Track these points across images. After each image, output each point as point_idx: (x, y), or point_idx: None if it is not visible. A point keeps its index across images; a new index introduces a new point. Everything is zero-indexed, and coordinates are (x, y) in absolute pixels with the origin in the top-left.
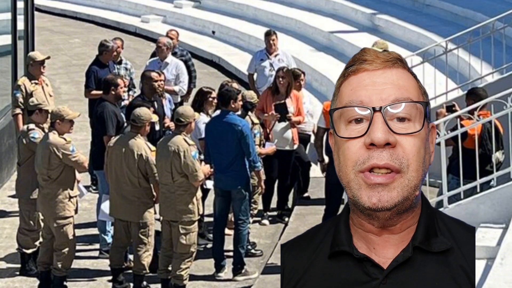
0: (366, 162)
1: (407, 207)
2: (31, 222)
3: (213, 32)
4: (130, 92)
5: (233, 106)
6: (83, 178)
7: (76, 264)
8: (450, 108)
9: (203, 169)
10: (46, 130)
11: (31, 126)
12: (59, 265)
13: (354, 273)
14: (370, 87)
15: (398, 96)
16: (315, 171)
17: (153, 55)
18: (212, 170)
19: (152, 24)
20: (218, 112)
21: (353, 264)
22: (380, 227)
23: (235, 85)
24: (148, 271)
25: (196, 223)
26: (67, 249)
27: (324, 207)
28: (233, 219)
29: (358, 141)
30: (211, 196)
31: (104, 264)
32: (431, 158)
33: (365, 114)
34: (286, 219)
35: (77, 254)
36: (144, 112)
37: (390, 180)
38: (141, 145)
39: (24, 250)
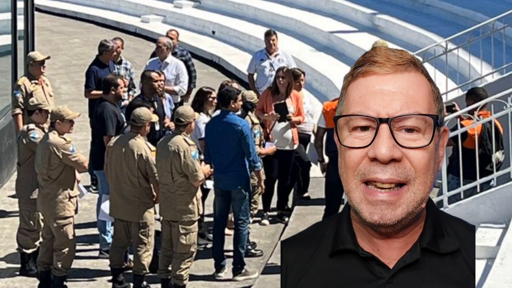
0: (367, 174)
1: (411, 220)
2: (31, 222)
3: (213, 32)
4: (130, 92)
5: (233, 106)
6: (83, 178)
7: (76, 264)
8: (450, 108)
9: (203, 169)
10: (46, 130)
11: (31, 126)
12: (59, 265)
13: (359, 271)
14: (379, 96)
15: (405, 112)
16: (315, 171)
17: (153, 55)
18: (212, 170)
19: (152, 24)
20: (218, 112)
21: (358, 262)
22: (383, 234)
23: (235, 85)
24: (148, 271)
25: (196, 223)
26: (67, 249)
27: (324, 207)
28: (233, 219)
29: (361, 151)
30: (211, 196)
31: (104, 264)
32: (440, 163)
33: (371, 123)
34: (286, 219)
35: (77, 254)
36: (144, 112)
37: (395, 198)
38: (141, 145)
39: (24, 250)
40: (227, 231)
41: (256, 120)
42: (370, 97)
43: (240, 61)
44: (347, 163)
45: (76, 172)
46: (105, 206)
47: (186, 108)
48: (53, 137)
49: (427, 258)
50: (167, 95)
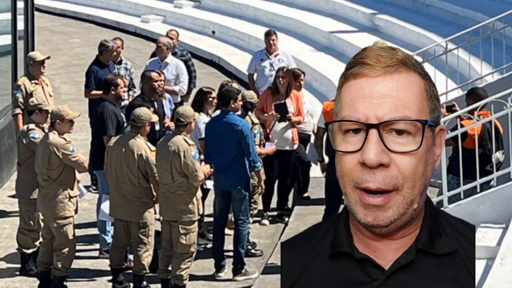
0: (360, 183)
1: (406, 221)
2: (31, 222)
3: (213, 32)
4: (130, 92)
5: (233, 106)
6: (83, 178)
7: (76, 264)
8: (450, 108)
9: (203, 169)
10: (46, 130)
11: (31, 126)
12: (59, 265)
13: (354, 273)
14: (368, 99)
15: (393, 116)
16: (315, 171)
17: (153, 55)
18: (212, 170)
19: (152, 24)
20: (218, 112)
21: (354, 264)
22: (379, 236)
23: (235, 85)
24: (148, 271)
25: (196, 223)
26: (67, 249)
27: (324, 207)
28: (233, 219)
29: (353, 157)
30: (211, 196)
31: (104, 264)
32: (437, 162)
33: (361, 126)
34: (286, 219)
35: (77, 254)
36: (144, 112)
37: (385, 201)
38: (141, 145)
39: (24, 250)
40: (227, 231)
41: (256, 120)
42: (360, 100)
43: (240, 61)
44: (343, 168)
45: (76, 172)
46: (105, 206)
47: (186, 108)
48: (53, 137)
49: (423, 259)
50: (167, 95)
